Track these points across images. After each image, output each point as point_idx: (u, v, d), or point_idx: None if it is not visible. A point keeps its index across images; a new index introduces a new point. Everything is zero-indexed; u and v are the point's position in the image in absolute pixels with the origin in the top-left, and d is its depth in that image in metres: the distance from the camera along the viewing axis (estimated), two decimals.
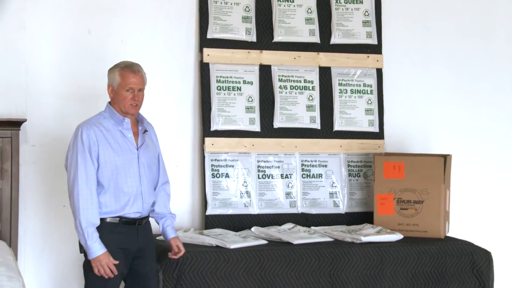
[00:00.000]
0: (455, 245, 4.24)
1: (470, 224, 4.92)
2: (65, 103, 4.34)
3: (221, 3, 4.59)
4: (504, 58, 5.15)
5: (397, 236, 4.26)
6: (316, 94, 4.73)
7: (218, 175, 4.52)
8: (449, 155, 4.47)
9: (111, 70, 3.55)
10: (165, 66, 4.52)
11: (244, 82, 4.61)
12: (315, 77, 4.74)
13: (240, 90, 4.60)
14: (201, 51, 4.55)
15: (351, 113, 4.78)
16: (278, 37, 4.68)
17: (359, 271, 4.05)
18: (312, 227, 4.49)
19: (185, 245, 3.98)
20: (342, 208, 4.71)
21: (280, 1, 4.70)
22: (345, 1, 4.81)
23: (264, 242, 4.11)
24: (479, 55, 5.09)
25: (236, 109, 4.57)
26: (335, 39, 4.78)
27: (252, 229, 4.34)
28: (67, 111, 4.33)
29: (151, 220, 3.69)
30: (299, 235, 4.23)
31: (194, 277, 3.80)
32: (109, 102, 3.56)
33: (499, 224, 5.08)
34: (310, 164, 4.70)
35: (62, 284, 4.34)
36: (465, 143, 5.02)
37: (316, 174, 4.71)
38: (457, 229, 4.64)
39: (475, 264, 4.20)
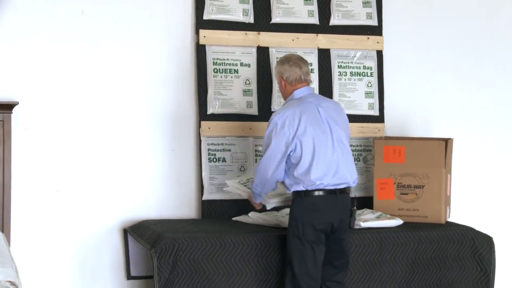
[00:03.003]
0: (456, 230, 4.22)
1: (472, 209, 4.91)
2: (58, 86, 4.29)
3: None
4: (507, 40, 5.10)
5: (397, 222, 4.24)
6: (315, 76, 4.67)
7: (214, 160, 4.47)
8: (450, 139, 4.44)
9: None
10: (160, 48, 4.46)
11: (241, 64, 4.54)
12: (314, 59, 4.67)
13: (237, 72, 4.53)
14: (197, 32, 4.48)
15: (351, 96, 4.73)
16: (276, 18, 4.61)
17: (358, 257, 4.02)
18: None
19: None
20: None
21: None
22: None
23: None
24: (482, 36, 5.04)
25: (233, 92, 4.51)
26: (334, 20, 4.71)
27: (250, 214, 4.29)
28: (59, 94, 4.28)
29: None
30: None
31: (189, 263, 3.77)
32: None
33: (500, 209, 5.06)
34: None
35: (55, 270, 4.30)
36: (466, 127, 4.98)
37: None
38: (458, 214, 4.61)
39: (476, 249, 4.18)
